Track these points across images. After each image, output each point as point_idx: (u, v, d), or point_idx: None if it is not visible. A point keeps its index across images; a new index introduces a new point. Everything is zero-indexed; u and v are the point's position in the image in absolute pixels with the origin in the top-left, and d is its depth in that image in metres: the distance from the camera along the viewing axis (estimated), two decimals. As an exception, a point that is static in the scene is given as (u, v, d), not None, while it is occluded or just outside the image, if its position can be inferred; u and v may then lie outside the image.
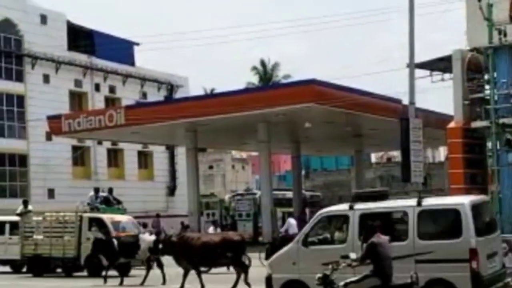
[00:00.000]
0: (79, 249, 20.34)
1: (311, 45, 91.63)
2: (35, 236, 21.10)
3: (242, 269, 14.65)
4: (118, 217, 21.71)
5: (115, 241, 18.51)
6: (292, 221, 22.69)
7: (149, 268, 17.31)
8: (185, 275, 15.00)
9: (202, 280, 14.78)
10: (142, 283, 16.93)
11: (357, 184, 34.17)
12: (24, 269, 22.19)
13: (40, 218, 21.71)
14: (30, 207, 24.06)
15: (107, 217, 21.10)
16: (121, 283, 17.33)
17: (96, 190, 25.08)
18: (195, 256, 14.77)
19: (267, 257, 15.87)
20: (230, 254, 14.58)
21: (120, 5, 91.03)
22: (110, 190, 26.18)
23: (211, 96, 39.89)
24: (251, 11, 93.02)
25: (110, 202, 24.75)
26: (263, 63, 60.01)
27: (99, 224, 20.49)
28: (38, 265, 20.97)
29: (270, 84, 53.75)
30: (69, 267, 20.82)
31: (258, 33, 61.47)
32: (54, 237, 20.72)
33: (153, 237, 17.85)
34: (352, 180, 36.03)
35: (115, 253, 18.18)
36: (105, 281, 17.50)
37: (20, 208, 23.75)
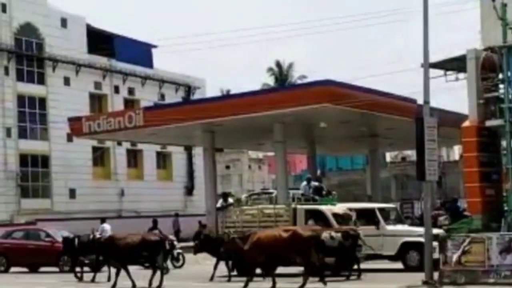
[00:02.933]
0: None
1: (324, 47, 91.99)
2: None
3: (153, 269, 15.46)
4: (337, 209, 19.13)
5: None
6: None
7: None
8: (117, 274, 15.79)
9: (132, 277, 15.56)
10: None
11: (372, 184, 34.52)
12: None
13: (242, 212, 19.84)
14: (230, 200, 22.64)
15: (327, 208, 18.64)
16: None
17: (308, 180, 22.72)
18: (120, 255, 15.64)
19: None
20: (146, 254, 15.33)
21: (138, 8, 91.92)
22: (319, 179, 24.15)
23: (227, 97, 40.36)
24: (267, 12, 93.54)
25: (322, 192, 22.63)
26: (278, 64, 60.48)
27: (318, 216, 18.22)
28: (244, 263, 18.26)
29: (286, 85, 54.21)
30: (280, 265, 17.47)
31: (272, 35, 61.85)
32: None
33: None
34: (367, 179, 36.32)
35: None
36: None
37: (220, 201, 22.38)
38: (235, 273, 17.40)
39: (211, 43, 44.31)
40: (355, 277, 16.63)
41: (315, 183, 22.69)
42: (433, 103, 16.31)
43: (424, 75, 15.74)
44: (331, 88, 26.00)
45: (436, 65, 19.90)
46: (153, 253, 15.45)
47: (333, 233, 16.78)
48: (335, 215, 18.21)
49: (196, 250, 18.82)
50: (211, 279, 17.24)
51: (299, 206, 18.82)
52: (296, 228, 15.22)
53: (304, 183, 22.52)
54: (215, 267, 17.53)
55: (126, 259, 15.74)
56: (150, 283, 15.48)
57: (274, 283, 14.56)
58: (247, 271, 15.27)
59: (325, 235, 16.36)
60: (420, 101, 16.53)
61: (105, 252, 16.24)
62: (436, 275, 14.82)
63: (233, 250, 15.57)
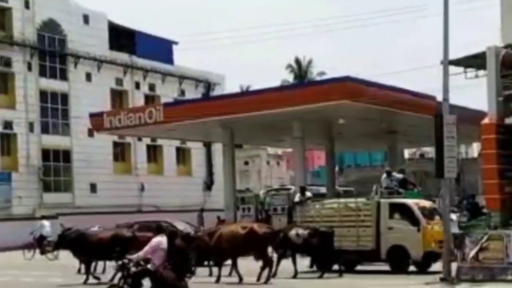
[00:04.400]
0: (378, 240, 17.37)
1: (344, 44, 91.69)
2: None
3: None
4: (423, 202, 18.32)
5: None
6: None
7: None
8: (87, 269, 16.32)
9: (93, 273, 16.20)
10: None
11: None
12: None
13: (322, 206, 19.18)
14: (308, 194, 22.06)
15: (413, 202, 17.83)
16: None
17: (388, 173, 21.56)
18: (90, 250, 16.13)
19: None
20: (119, 249, 15.67)
21: (159, 5, 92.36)
22: (403, 171, 23.01)
23: (246, 93, 40.65)
24: (286, 9, 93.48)
25: (407, 185, 21.69)
26: (298, 61, 60.59)
27: (403, 210, 17.48)
28: (323, 258, 17.74)
29: (305, 82, 54.31)
30: (365, 261, 18.08)
31: (292, 32, 61.93)
32: (344, 227, 17.83)
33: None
34: (386, 176, 36.28)
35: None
36: None
37: (298, 195, 21.84)
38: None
39: (231, 39, 44.55)
40: (336, 276, 16.59)
41: (399, 175, 21.56)
42: (453, 100, 16.38)
43: (443, 73, 15.81)
44: (350, 85, 26.13)
45: (456, 63, 19.94)
46: (126, 249, 15.86)
47: (300, 231, 16.95)
48: (422, 208, 17.53)
49: None
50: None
51: (382, 200, 18.17)
52: (252, 225, 16.01)
53: (384, 175, 21.40)
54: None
55: (97, 255, 16.27)
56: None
57: (239, 277, 15.56)
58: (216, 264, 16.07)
59: (292, 232, 16.73)
60: (440, 98, 16.62)
61: (74, 247, 16.60)
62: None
63: (200, 245, 16.26)
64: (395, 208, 17.52)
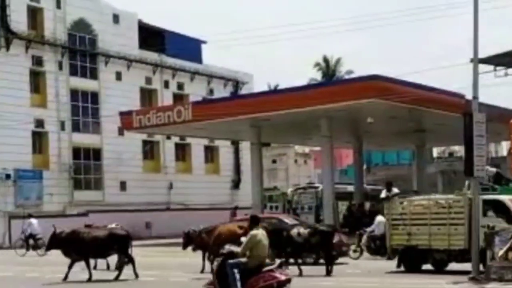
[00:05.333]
0: (470, 239, 15.87)
1: (372, 42, 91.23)
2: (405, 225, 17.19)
3: (129, 260, 16.45)
4: None
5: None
6: (379, 218, 20.30)
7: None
8: (70, 266, 16.46)
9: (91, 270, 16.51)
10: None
11: (419, 179, 34.41)
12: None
13: (411, 203, 17.84)
14: (395, 190, 21.13)
15: (509, 199, 16.60)
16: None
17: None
18: (86, 249, 16.36)
19: None
20: (117, 247, 16.34)
21: (188, 5, 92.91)
22: (497, 165, 22.14)
23: (275, 92, 40.71)
24: (314, 7, 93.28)
25: (502, 179, 20.76)
26: (325, 60, 60.55)
27: (498, 207, 16.42)
28: (412, 258, 17.10)
29: (333, 80, 54.26)
30: (455, 261, 16.80)
31: (320, 30, 61.83)
32: (434, 225, 16.81)
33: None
34: (414, 175, 36.19)
35: None
36: None
37: (384, 192, 20.70)
38: None
39: (259, 38, 44.64)
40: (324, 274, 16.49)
41: (492, 169, 20.28)
42: (482, 99, 16.30)
43: (473, 71, 15.74)
44: (379, 83, 26.07)
45: (486, 61, 19.81)
46: (122, 246, 16.48)
47: (301, 230, 16.99)
48: None
49: None
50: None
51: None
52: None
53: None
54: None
55: (94, 252, 16.66)
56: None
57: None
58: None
59: (294, 231, 16.81)
60: (469, 96, 16.57)
61: (67, 245, 16.79)
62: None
63: (200, 244, 16.69)
64: (489, 205, 16.38)
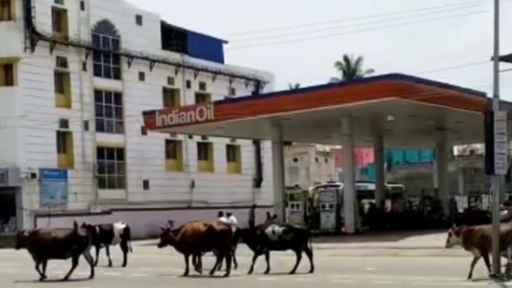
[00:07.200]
0: None
1: (392, 41, 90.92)
2: None
3: (88, 261, 16.66)
4: None
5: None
6: None
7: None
8: (44, 266, 16.66)
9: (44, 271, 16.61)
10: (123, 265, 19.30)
11: (439, 177, 34.45)
12: None
13: None
14: None
15: None
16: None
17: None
18: (45, 249, 16.47)
19: None
20: (75, 247, 16.34)
21: (210, 5, 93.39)
22: None
23: (296, 91, 40.92)
24: (335, 6, 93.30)
25: None
26: (346, 59, 60.67)
27: None
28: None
29: (353, 79, 54.33)
30: None
31: (340, 29, 61.84)
32: None
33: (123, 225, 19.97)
34: (434, 173, 36.22)
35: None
36: None
37: None
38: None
39: (280, 38, 44.86)
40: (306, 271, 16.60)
41: None
42: (503, 97, 16.31)
43: (494, 69, 15.75)
44: (399, 82, 26.17)
45: (506, 58, 19.78)
46: (81, 246, 16.54)
47: (276, 228, 17.17)
48: None
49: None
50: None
51: None
52: (212, 223, 16.94)
53: None
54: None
55: (54, 253, 16.65)
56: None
57: (199, 266, 16.69)
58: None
59: (268, 229, 17.07)
60: (490, 94, 16.61)
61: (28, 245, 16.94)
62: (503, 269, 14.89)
63: (167, 241, 17.15)
64: None
